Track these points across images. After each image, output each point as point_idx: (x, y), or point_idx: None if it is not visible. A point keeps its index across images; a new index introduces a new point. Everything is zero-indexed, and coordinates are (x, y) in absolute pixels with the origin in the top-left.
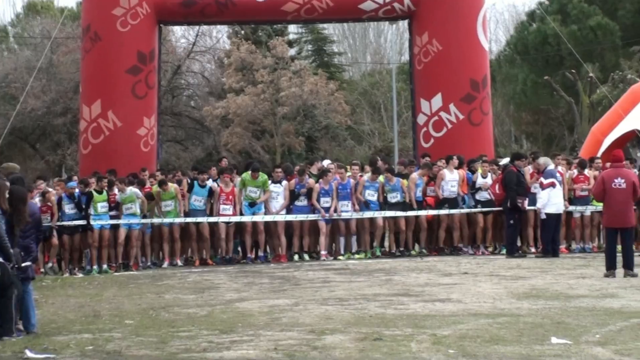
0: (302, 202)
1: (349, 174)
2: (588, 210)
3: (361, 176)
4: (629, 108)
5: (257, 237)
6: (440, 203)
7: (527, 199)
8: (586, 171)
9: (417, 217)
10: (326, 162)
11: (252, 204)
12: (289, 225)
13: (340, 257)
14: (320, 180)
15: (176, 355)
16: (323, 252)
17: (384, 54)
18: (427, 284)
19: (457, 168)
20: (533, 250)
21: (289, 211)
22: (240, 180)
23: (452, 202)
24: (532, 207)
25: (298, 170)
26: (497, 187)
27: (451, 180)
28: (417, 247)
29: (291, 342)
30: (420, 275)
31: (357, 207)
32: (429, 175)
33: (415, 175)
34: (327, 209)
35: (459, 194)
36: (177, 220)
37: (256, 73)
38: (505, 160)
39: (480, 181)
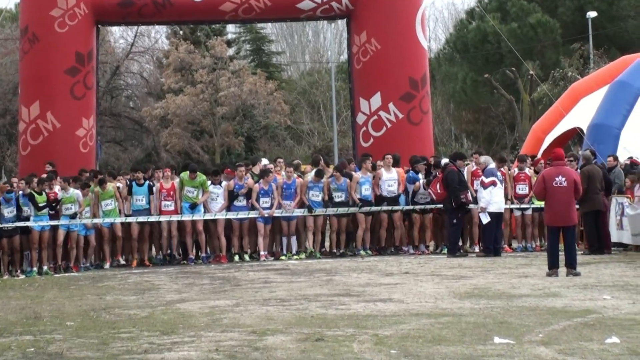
0: (241, 202)
1: (297, 174)
2: (530, 207)
3: (299, 176)
4: (570, 106)
5: (197, 237)
6: (378, 201)
7: (468, 191)
8: (526, 170)
9: (369, 215)
10: (264, 161)
11: (193, 205)
12: (228, 225)
13: (282, 258)
14: (260, 180)
15: (117, 357)
16: (262, 253)
17: (323, 53)
18: (368, 284)
19: (394, 166)
20: (477, 249)
21: (228, 211)
22: (178, 179)
23: (392, 202)
24: (475, 206)
25: (234, 165)
26: (437, 186)
27: (388, 179)
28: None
29: (232, 343)
30: (361, 275)
31: (291, 205)
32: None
33: (358, 174)
34: (266, 209)
35: (399, 193)
36: (118, 220)
37: (195, 73)
38: (445, 160)
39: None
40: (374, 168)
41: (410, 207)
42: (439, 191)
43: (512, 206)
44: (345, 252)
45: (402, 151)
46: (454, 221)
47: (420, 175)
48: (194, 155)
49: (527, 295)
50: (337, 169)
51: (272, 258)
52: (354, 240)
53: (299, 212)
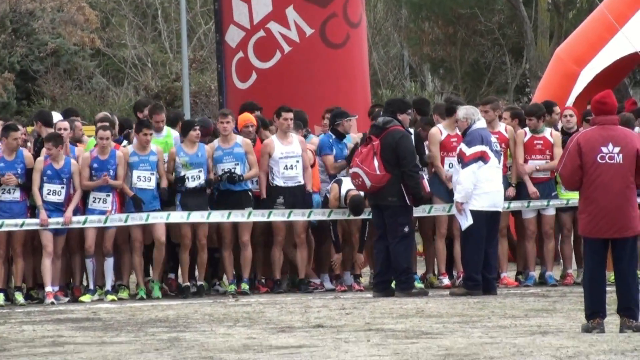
0: (9, 193)
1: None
2: (551, 206)
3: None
4: (627, 13)
5: None
6: (269, 196)
7: (424, 177)
8: (547, 132)
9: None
10: (58, 117)
11: None
12: None
13: (85, 298)
14: (46, 151)
15: None
16: (49, 289)
17: None
18: (247, 347)
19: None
20: (446, 281)
21: None
22: None
23: (292, 195)
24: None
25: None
26: (374, 162)
27: (285, 155)
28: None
29: None
30: (235, 330)
31: (110, 208)
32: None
33: (214, 143)
34: (55, 207)
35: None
36: None
37: None
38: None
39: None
40: (265, 127)
41: (326, 210)
42: (377, 172)
43: (517, 203)
44: (207, 286)
45: (314, 99)
46: (406, 230)
47: (347, 143)
48: None
49: None
50: (186, 125)
51: (68, 299)
52: (222, 265)
53: (117, 218)
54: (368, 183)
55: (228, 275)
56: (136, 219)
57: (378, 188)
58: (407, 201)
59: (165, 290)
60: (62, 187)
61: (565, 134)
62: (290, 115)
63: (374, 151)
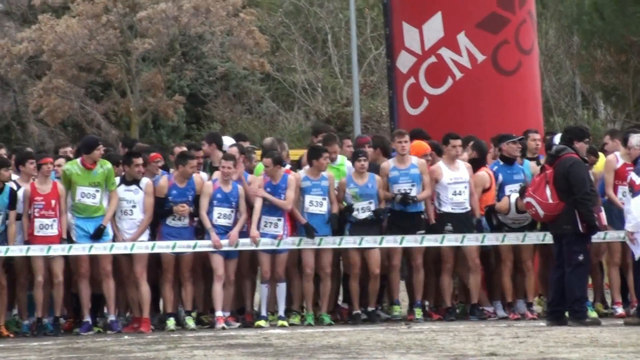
0: (180, 220)
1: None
2: None
3: (290, 169)
4: None
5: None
6: (438, 222)
7: (602, 209)
8: None
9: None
10: (228, 142)
11: (97, 232)
12: (154, 263)
13: (259, 324)
14: (216, 175)
15: None
16: (220, 314)
17: None
18: None
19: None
20: (620, 310)
21: (153, 235)
22: (63, 173)
23: (460, 222)
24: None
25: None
26: (546, 191)
27: (453, 181)
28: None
29: None
30: (406, 358)
31: (281, 232)
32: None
33: (388, 162)
34: (225, 230)
35: (472, 208)
36: None
37: None
38: (556, 139)
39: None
40: (438, 152)
41: (500, 235)
42: (550, 200)
43: None
44: (377, 313)
45: (485, 123)
46: (580, 258)
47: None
48: (90, 130)
49: None
50: (357, 154)
51: (239, 324)
52: (390, 292)
53: (290, 242)
54: (541, 212)
55: (393, 297)
56: (309, 242)
57: (553, 217)
58: (580, 229)
59: (335, 318)
60: (232, 211)
61: None
62: (458, 142)
63: (546, 180)
